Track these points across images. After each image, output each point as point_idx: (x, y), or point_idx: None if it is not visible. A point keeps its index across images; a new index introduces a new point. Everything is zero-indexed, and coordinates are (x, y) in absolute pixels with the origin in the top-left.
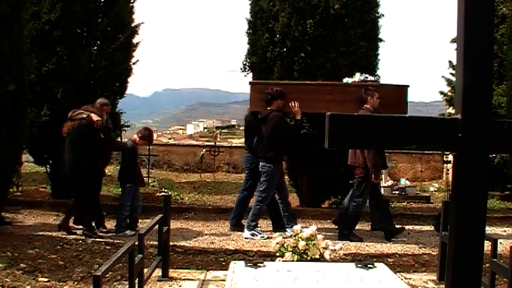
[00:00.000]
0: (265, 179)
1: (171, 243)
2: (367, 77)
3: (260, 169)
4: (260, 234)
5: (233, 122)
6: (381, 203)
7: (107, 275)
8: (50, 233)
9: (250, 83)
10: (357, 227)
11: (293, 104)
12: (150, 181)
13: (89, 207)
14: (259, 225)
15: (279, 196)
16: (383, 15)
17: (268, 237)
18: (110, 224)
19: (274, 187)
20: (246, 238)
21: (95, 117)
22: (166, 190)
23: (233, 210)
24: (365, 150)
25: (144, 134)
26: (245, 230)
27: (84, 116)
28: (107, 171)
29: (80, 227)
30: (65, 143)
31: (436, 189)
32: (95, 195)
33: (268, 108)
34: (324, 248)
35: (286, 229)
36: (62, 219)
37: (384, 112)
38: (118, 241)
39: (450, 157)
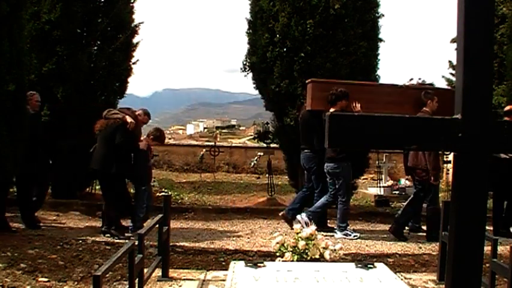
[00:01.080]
0: (342, 180)
1: (171, 243)
2: (424, 81)
3: (330, 170)
4: (352, 233)
5: (233, 122)
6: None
7: (107, 275)
8: (50, 233)
9: (311, 81)
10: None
11: (355, 105)
12: None
13: (118, 207)
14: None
15: (319, 196)
16: (383, 15)
17: (358, 237)
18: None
19: (350, 185)
20: (338, 238)
21: (128, 119)
22: (166, 190)
23: (292, 202)
24: (425, 152)
25: (156, 135)
26: (337, 231)
27: (119, 116)
28: None
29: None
30: (97, 140)
31: None
32: (125, 195)
33: (332, 109)
34: (324, 248)
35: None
36: (104, 224)
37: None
38: (118, 241)
39: (450, 157)
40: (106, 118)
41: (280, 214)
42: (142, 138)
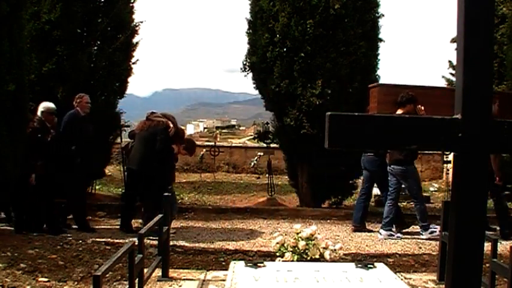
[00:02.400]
0: (411, 181)
1: (171, 243)
2: None
3: (397, 172)
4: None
5: (233, 122)
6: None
7: (107, 275)
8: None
9: (378, 85)
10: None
11: (420, 108)
12: None
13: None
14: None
15: (383, 195)
16: (383, 15)
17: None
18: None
19: (420, 184)
20: (426, 239)
21: (171, 123)
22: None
23: (355, 211)
24: (490, 155)
25: (187, 147)
26: (423, 232)
27: (163, 120)
28: (106, 171)
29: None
30: (136, 140)
31: (436, 189)
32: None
33: (399, 111)
34: (324, 248)
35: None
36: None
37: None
38: (118, 241)
39: (450, 157)
40: (148, 120)
41: (352, 229)
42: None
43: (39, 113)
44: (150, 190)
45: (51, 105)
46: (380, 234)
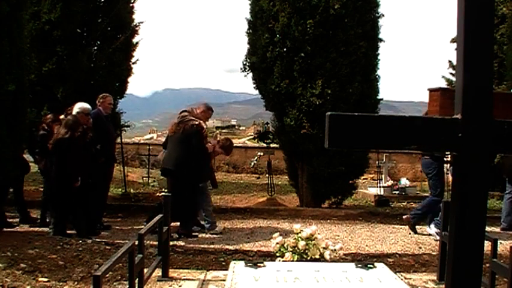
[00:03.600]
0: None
1: (171, 243)
2: None
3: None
4: None
5: (233, 122)
6: None
7: (107, 275)
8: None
9: (440, 88)
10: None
11: None
12: (150, 181)
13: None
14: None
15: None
16: (383, 15)
17: None
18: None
19: None
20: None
21: (203, 125)
22: (166, 190)
23: (418, 207)
24: None
25: (225, 145)
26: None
27: (196, 122)
28: None
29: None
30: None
31: None
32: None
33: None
34: (324, 248)
35: None
36: (182, 227)
37: None
38: (118, 241)
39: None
40: (181, 122)
41: (404, 218)
42: (210, 140)
43: (74, 114)
44: (185, 189)
45: (86, 105)
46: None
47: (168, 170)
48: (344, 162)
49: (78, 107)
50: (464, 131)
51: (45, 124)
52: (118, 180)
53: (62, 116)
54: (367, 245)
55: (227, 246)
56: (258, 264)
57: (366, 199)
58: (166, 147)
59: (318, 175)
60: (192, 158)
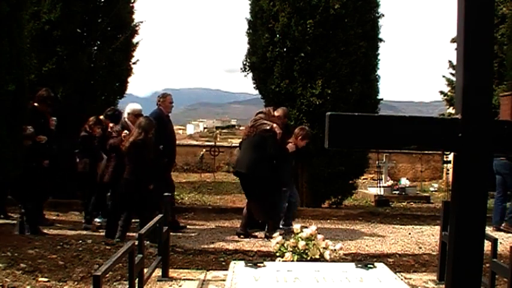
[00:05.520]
0: None
1: (171, 243)
2: None
3: None
4: None
5: (233, 122)
6: None
7: (107, 275)
8: (50, 233)
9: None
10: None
11: None
12: None
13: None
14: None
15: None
16: (383, 15)
17: None
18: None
19: None
20: None
21: (277, 129)
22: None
23: (495, 214)
24: None
25: (302, 134)
26: None
27: (268, 127)
28: None
29: None
30: (243, 145)
31: (436, 189)
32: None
33: None
34: (324, 248)
35: None
36: (242, 226)
37: None
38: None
39: (450, 157)
40: (254, 126)
41: (503, 226)
42: (290, 140)
43: (125, 115)
44: (263, 192)
45: (138, 107)
46: None
47: (240, 173)
48: (344, 162)
49: (129, 108)
50: (464, 131)
51: (87, 125)
52: None
53: (101, 117)
54: (367, 245)
55: (227, 246)
56: (258, 264)
57: (366, 199)
58: (241, 149)
59: (318, 175)
60: (265, 162)
